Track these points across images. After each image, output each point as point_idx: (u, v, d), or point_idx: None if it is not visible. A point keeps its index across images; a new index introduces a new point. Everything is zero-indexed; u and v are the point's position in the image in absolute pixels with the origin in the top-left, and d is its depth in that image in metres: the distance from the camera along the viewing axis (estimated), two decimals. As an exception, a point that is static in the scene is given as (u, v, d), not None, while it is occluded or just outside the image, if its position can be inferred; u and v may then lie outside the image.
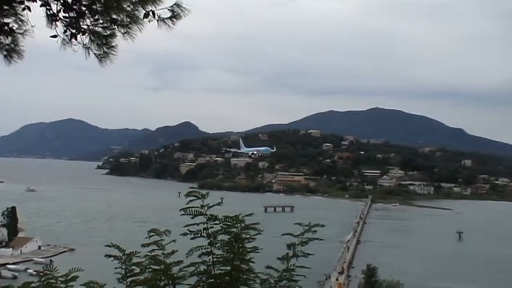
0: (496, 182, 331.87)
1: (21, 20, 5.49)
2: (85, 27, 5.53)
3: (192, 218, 5.92)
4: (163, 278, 5.92)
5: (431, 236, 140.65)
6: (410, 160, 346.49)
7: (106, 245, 6.17)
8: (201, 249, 5.96)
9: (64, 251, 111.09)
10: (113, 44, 5.74)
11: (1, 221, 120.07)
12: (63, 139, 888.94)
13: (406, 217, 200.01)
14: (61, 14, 5.39)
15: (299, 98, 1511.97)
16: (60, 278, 5.84)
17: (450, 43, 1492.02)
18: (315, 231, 6.07)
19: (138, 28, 5.62)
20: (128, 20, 5.56)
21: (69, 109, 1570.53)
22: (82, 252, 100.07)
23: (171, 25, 5.58)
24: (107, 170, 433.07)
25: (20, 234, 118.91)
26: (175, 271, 5.98)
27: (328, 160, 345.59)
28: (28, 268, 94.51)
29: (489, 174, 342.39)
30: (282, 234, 6.31)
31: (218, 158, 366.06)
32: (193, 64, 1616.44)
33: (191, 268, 5.97)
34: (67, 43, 5.51)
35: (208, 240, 5.94)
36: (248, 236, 6.00)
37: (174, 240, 6.17)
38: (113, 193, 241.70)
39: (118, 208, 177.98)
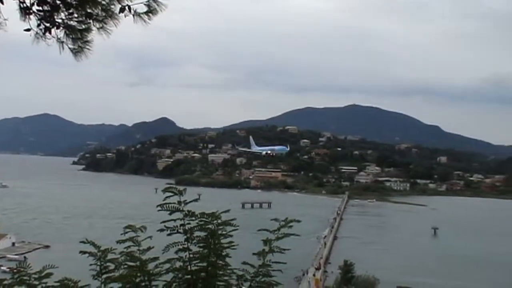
0: (471, 178, 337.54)
1: (-6, 13, 5.38)
2: (60, 21, 5.45)
3: (170, 214, 5.91)
4: (138, 274, 5.88)
5: (407, 232, 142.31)
6: (386, 157, 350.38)
7: (81, 241, 6.11)
8: (178, 245, 5.95)
9: (39, 248, 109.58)
10: (88, 38, 5.68)
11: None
12: (38, 135, 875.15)
13: (382, 213, 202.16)
14: (35, 8, 5.31)
15: (278, 94, 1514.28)
16: (34, 275, 5.77)
17: (426, 41, 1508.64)
18: (291, 227, 6.11)
19: (114, 23, 5.57)
20: (104, 14, 5.50)
21: (45, 104, 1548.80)
22: (58, 249, 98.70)
23: (147, 20, 5.55)
24: (83, 166, 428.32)
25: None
26: (151, 268, 5.96)
27: (305, 157, 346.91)
28: (1, 265, 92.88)
29: (463, 171, 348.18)
30: (258, 230, 6.33)
31: (195, 154, 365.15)
32: (172, 60, 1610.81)
33: (167, 265, 5.96)
34: (41, 37, 5.43)
35: (185, 236, 5.94)
36: (224, 232, 6.01)
37: (150, 237, 6.14)
38: (90, 189, 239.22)
39: (95, 204, 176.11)
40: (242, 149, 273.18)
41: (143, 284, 5.88)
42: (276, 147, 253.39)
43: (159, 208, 5.91)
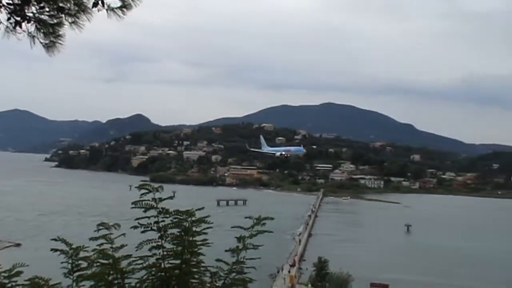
0: (443, 176, 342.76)
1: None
2: (31, 14, 5.34)
3: (145, 211, 5.87)
4: (111, 272, 5.83)
5: (380, 229, 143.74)
6: (361, 155, 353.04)
7: (52, 239, 6.03)
8: (152, 242, 5.91)
9: (9, 246, 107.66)
10: (60, 33, 5.57)
11: None
12: (9, 130, 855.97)
13: (356, 210, 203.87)
14: (5, 1, 5.17)
15: (254, 91, 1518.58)
16: (3, 274, 5.68)
17: (401, 40, 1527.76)
18: (264, 224, 6.11)
19: (87, 17, 5.48)
20: (76, 8, 5.41)
21: (15, 99, 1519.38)
22: (29, 247, 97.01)
23: (121, 15, 5.47)
24: (56, 163, 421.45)
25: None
26: (124, 265, 5.91)
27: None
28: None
29: (436, 169, 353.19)
30: (232, 227, 6.32)
31: (170, 151, 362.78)
32: (148, 56, 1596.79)
33: (141, 262, 5.92)
34: (11, 31, 5.31)
35: (159, 234, 5.90)
36: (198, 230, 5.99)
37: (123, 234, 6.09)
38: (63, 186, 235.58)
39: (69, 202, 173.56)
40: (254, 150, 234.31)
41: (116, 282, 5.82)
42: (292, 148, 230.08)
43: (133, 205, 5.88)
